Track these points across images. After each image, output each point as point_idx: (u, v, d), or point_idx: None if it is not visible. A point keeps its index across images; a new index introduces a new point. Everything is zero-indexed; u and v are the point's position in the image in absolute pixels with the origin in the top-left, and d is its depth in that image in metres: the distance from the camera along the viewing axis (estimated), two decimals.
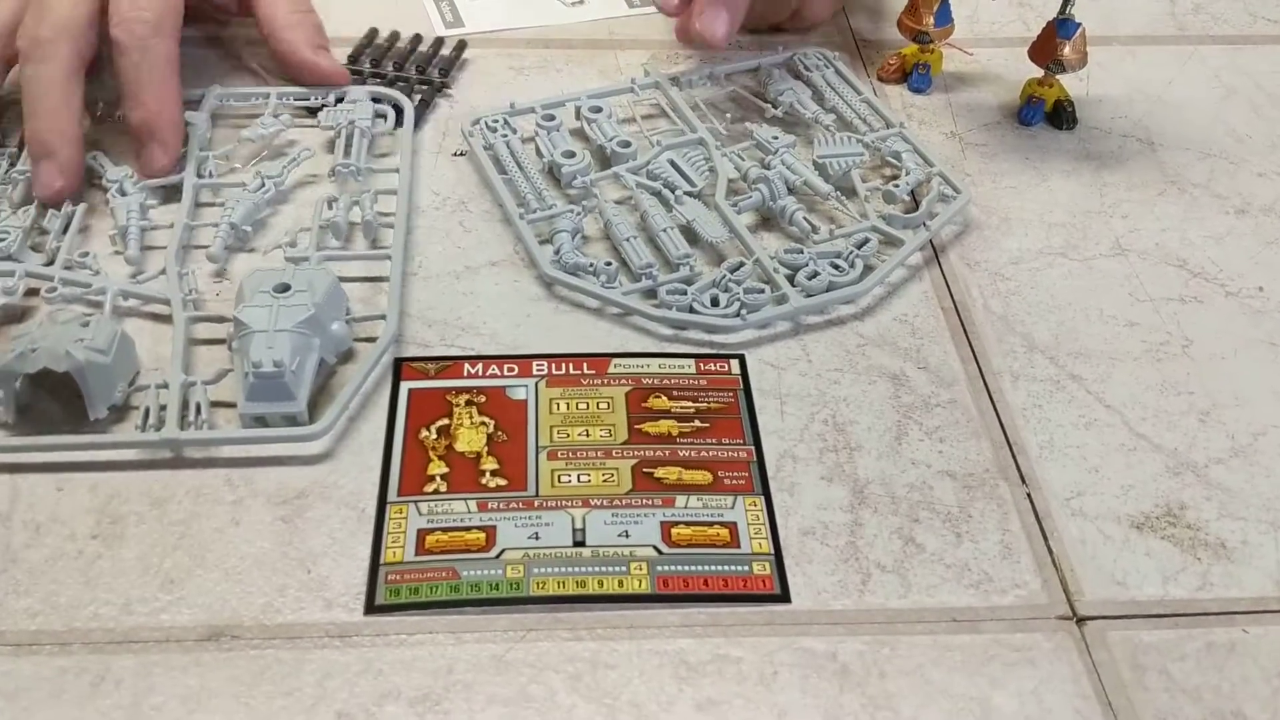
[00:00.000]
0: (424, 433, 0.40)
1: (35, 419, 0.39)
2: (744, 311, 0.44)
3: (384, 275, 0.45)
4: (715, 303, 0.44)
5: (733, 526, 0.37)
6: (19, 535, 0.36)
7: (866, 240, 0.46)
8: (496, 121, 0.51)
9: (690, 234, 0.47)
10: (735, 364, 0.43)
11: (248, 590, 0.35)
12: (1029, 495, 0.39)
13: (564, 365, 0.43)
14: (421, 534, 0.37)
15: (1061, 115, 0.54)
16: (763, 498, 0.38)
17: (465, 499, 0.38)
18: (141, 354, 0.42)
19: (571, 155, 0.49)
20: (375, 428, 0.40)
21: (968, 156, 0.53)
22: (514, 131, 0.51)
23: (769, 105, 0.54)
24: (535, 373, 0.42)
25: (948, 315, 0.45)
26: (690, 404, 0.41)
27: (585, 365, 0.43)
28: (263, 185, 0.48)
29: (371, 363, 0.41)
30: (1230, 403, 0.42)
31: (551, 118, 0.52)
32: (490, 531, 0.37)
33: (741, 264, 0.45)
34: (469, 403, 0.41)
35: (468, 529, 0.37)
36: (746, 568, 0.36)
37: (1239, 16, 0.63)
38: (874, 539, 0.37)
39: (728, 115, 0.53)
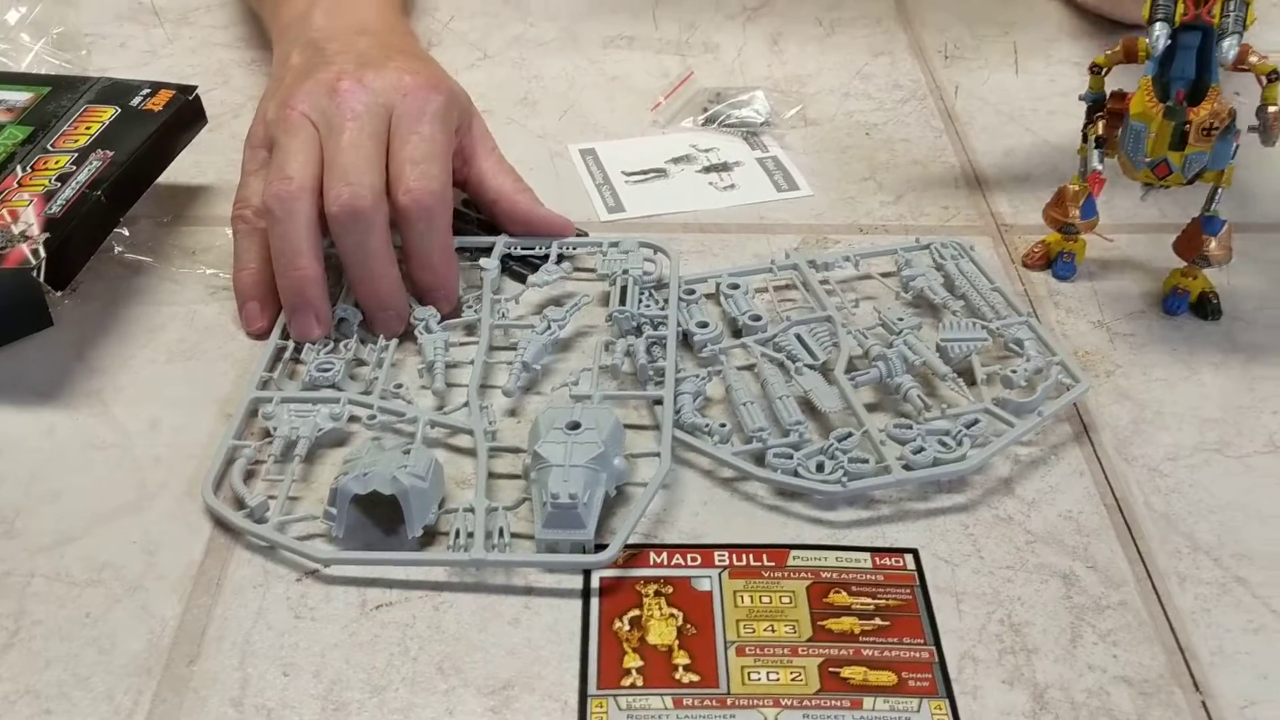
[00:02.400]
0: (617, 623, 0.42)
1: (357, 535, 0.44)
2: (846, 479, 0.46)
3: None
4: (821, 469, 0.46)
5: None
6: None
7: (976, 421, 0.48)
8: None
9: (808, 404, 0.49)
10: (910, 559, 0.45)
11: None
12: (1204, 704, 0.40)
13: (744, 556, 0.45)
14: None
15: (1206, 307, 0.56)
16: (947, 701, 0.40)
17: (661, 694, 0.40)
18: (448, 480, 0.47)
19: (705, 325, 0.53)
20: (570, 617, 0.42)
21: (1116, 347, 0.55)
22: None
23: (900, 289, 0.57)
24: (718, 563, 0.44)
25: (1111, 513, 0.47)
26: (870, 600, 0.43)
27: (765, 556, 0.45)
28: (549, 328, 0.53)
29: (649, 496, 0.45)
30: None
31: (691, 292, 0.56)
32: None
33: (850, 434, 0.48)
34: (658, 593, 0.43)
35: None
36: None
37: None
38: None
39: (859, 297, 0.56)
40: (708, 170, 0.66)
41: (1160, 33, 0.50)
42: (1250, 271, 0.59)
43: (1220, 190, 0.54)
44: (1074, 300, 0.58)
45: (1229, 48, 0.49)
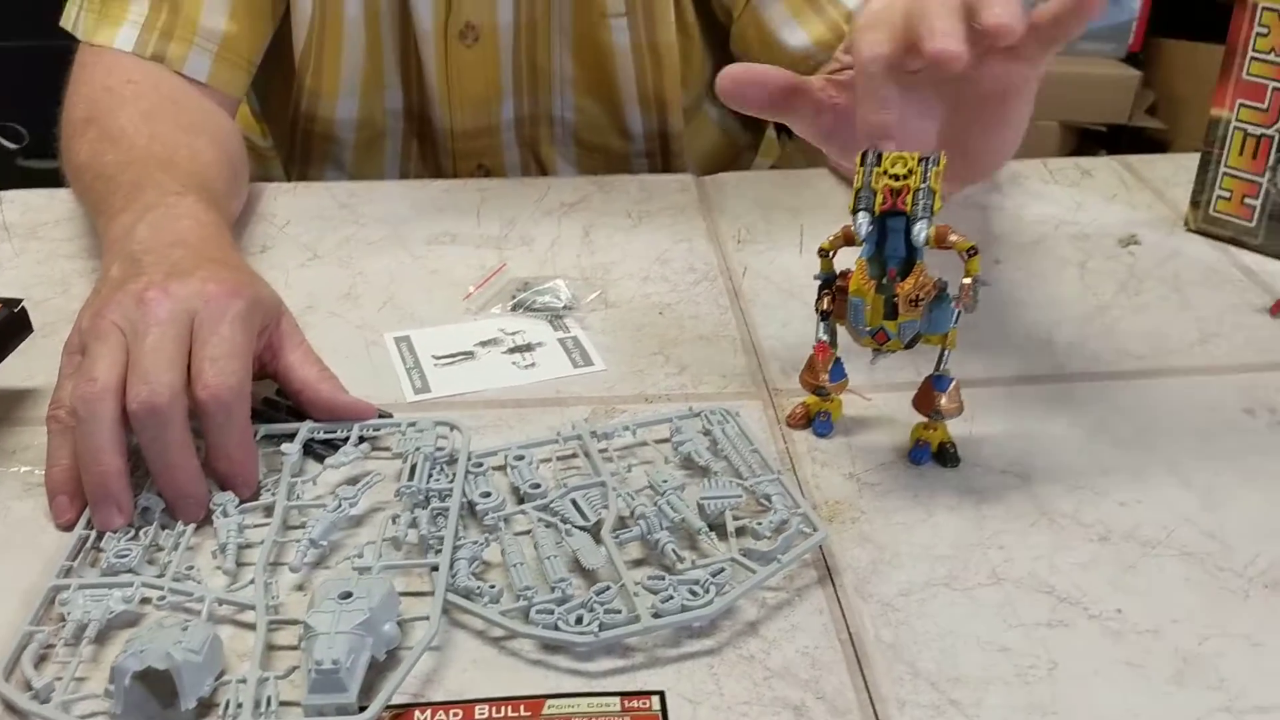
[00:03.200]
0: None
1: (138, 710, 0.47)
2: (599, 629, 0.50)
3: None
4: (579, 621, 0.51)
5: None
6: None
7: (722, 570, 0.53)
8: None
9: (578, 563, 0.54)
10: (656, 700, 0.49)
11: None
12: None
13: (503, 708, 0.48)
14: None
15: (945, 455, 0.62)
16: None
17: None
18: (231, 653, 0.50)
19: (488, 495, 0.58)
20: None
21: (863, 495, 0.61)
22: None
23: (672, 454, 0.62)
24: (478, 717, 0.48)
25: (844, 646, 0.52)
26: None
27: (522, 707, 0.48)
28: (339, 506, 0.57)
29: (414, 658, 0.49)
30: None
31: (480, 465, 0.61)
32: None
33: (608, 588, 0.52)
34: None
35: None
36: None
37: (1109, 354, 0.73)
38: None
39: (633, 462, 0.62)
40: (512, 351, 0.72)
41: (863, 221, 0.57)
42: (990, 421, 0.66)
43: (947, 351, 0.61)
44: (830, 455, 0.64)
45: (919, 231, 0.56)
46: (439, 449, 0.61)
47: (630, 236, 0.86)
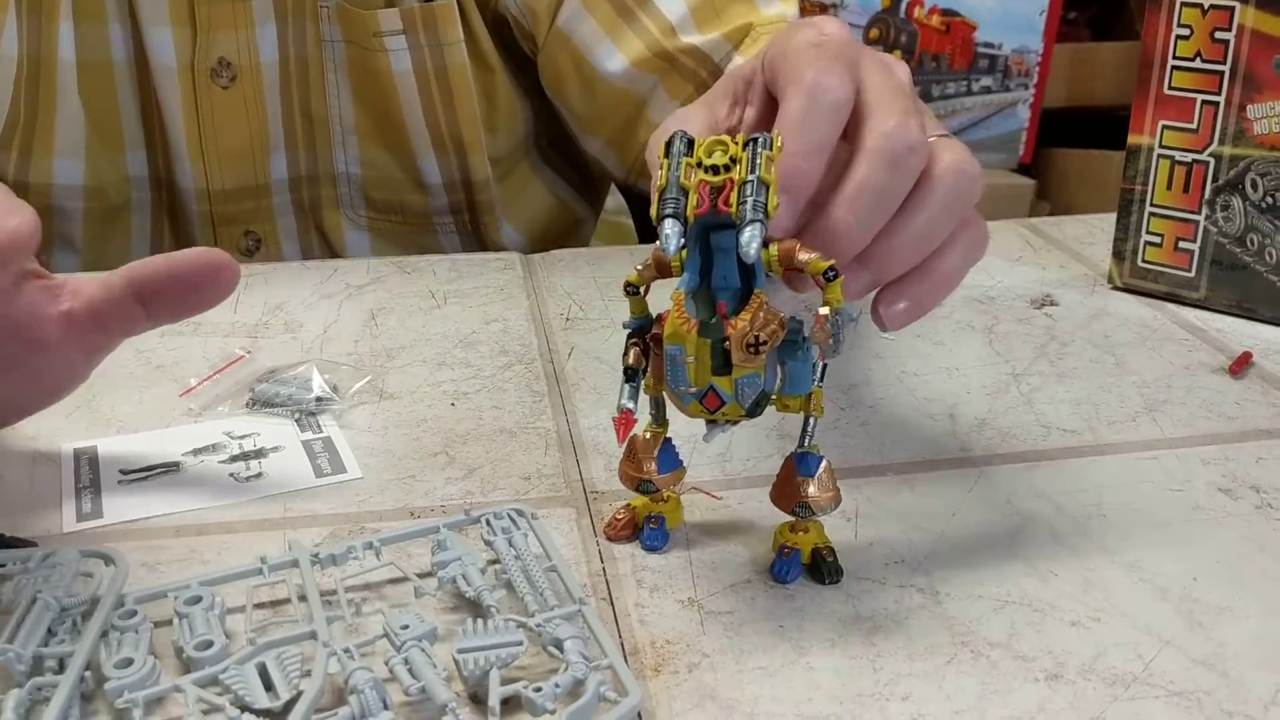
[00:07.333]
0: None
1: None
2: None
3: None
4: None
5: None
6: None
7: None
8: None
9: None
10: None
11: None
12: None
13: None
14: None
15: (821, 567, 0.44)
16: None
17: None
18: None
19: (129, 663, 0.38)
20: None
21: (707, 631, 0.42)
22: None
23: (434, 586, 0.43)
24: None
25: None
26: None
27: None
28: None
29: None
30: None
31: (133, 614, 0.41)
32: None
33: None
34: None
35: None
36: None
37: (1029, 430, 0.56)
38: None
39: (375, 603, 0.43)
40: (235, 459, 0.53)
41: (671, 232, 0.40)
42: (880, 520, 0.48)
43: (813, 420, 0.44)
44: (663, 576, 0.45)
45: (749, 240, 0.39)
46: (72, 595, 0.41)
47: (429, 319, 0.68)
